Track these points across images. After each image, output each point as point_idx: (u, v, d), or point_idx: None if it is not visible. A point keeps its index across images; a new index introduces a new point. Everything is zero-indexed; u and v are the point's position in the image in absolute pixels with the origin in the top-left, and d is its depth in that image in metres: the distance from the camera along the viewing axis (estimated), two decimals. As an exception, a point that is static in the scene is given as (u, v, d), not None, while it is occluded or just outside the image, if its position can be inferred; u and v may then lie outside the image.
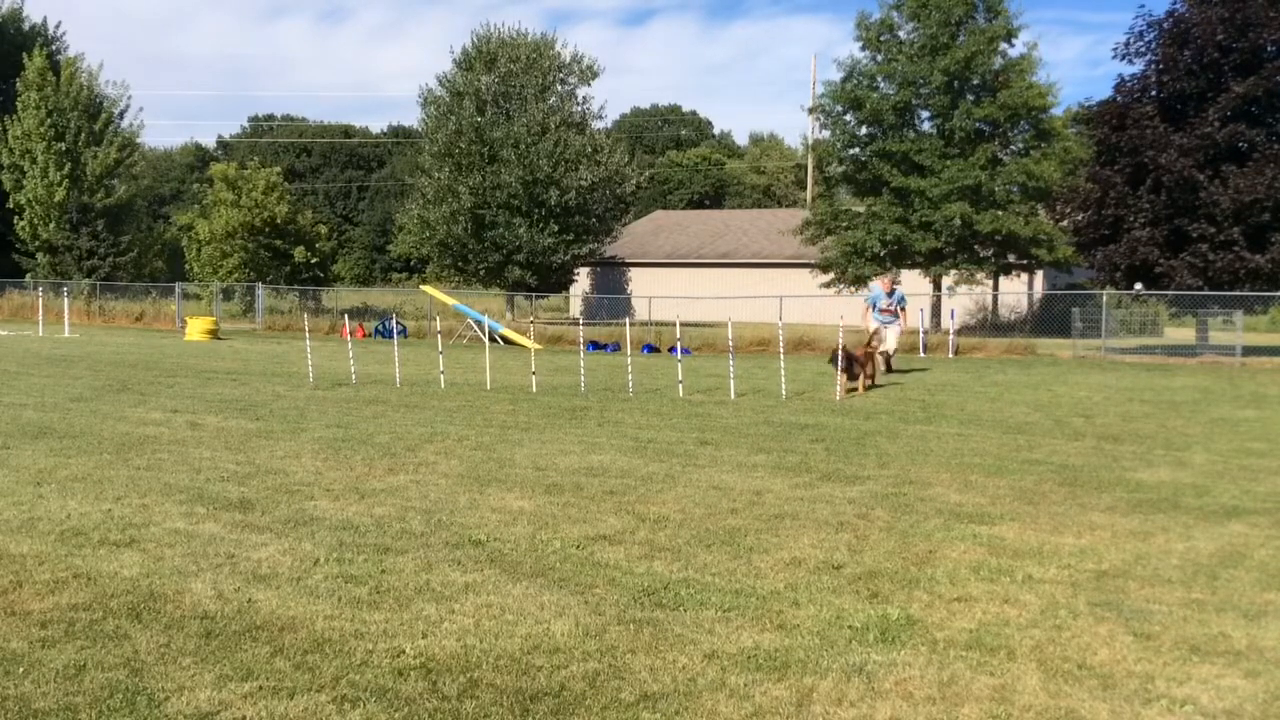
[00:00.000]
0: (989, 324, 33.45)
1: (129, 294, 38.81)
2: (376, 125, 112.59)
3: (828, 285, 33.98)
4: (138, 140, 46.45)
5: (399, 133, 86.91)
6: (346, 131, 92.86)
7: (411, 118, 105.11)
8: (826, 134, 35.79)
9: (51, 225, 42.27)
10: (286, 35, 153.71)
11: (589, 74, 42.26)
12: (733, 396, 14.34)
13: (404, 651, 4.32)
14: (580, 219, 40.22)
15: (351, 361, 17.04)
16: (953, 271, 32.73)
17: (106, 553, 5.75)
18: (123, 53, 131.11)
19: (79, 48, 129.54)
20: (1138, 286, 26.11)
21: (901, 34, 33.47)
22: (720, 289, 39.26)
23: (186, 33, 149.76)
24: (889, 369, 17.73)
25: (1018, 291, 36.49)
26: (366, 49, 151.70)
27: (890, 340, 17.71)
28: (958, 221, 30.78)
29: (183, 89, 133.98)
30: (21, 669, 4.08)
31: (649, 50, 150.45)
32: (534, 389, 14.94)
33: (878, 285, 19.87)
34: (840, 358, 14.57)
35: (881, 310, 17.81)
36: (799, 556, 5.87)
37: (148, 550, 5.82)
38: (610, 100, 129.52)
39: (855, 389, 15.02)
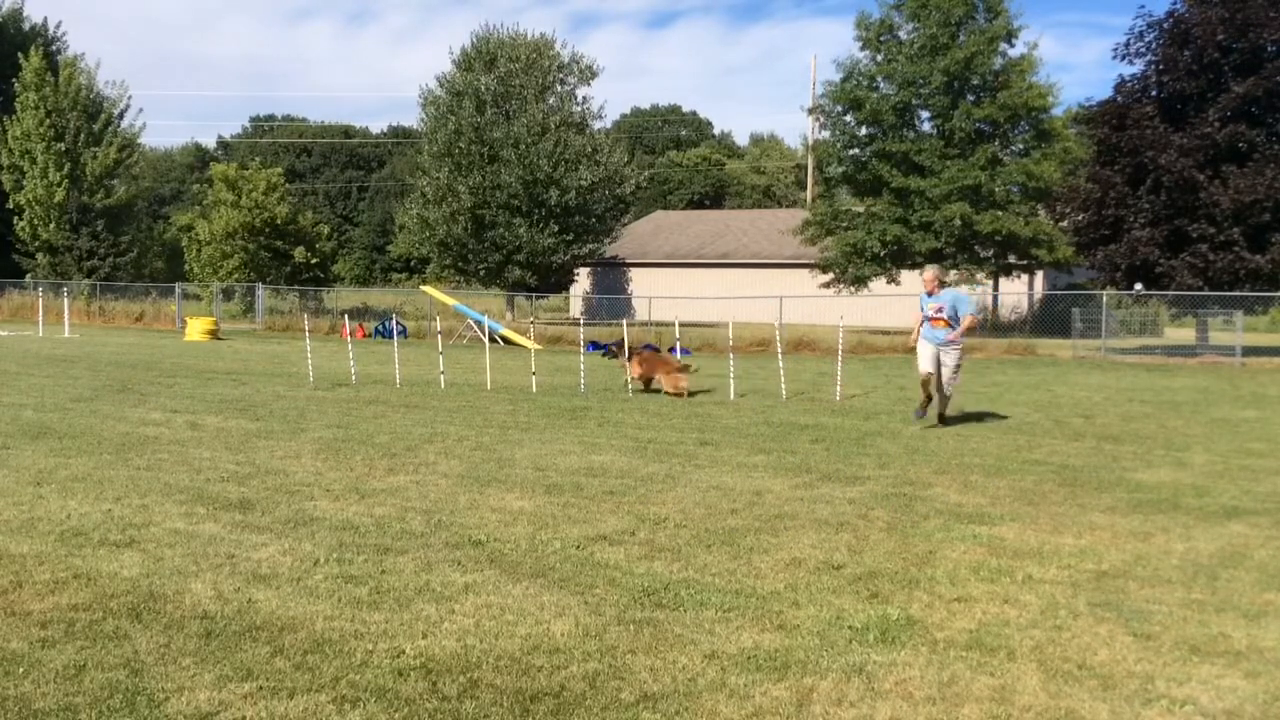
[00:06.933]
0: (989, 324, 33.46)
1: (129, 294, 38.81)
2: (377, 125, 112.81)
3: (827, 285, 33.99)
4: (138, 141, 46.50)
5: (399, 133, 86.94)
6: (346, 132, 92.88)
7: (414, 117, 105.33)
8: (826, 134, 35.84)
9: (51, 225, 42.29)
10: (309, 38, 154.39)
11: (588, 74, 42.28)
12: (733, 397, 14.33)
13: (404, 652, 4.32)
14: (580, 219, 40.23)
15: (351, 362, 17.04)
16: (953, 272, 32.74)
17: (106, 553, 5.75)
18: (138, 53, 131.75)
19: (92, 47, 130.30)
20: (1138, 287, 26.11)
21: (901, 34, 33.51)
22: (720, 289, 39.26)
23: (207, 35, 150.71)
24: (941, 417, 11.67)
25: (1018, 292, 36.50)
26: (391, 52, 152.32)
27: (945, 376, 11.52)
28: (958, 222, 30.80)
29: (203, 91, 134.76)
30: (21, 669, 4.08)
31: (671, 52, 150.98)
32: (534, 389, 14.94)
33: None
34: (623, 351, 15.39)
35: (930, 320, 11.54)
36: (799, 556, 5.87)
37: (148, 550, 5.82)
38: (629, 101, 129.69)
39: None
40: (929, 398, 11.59)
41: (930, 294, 11.69)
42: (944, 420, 11.66)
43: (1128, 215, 25.28)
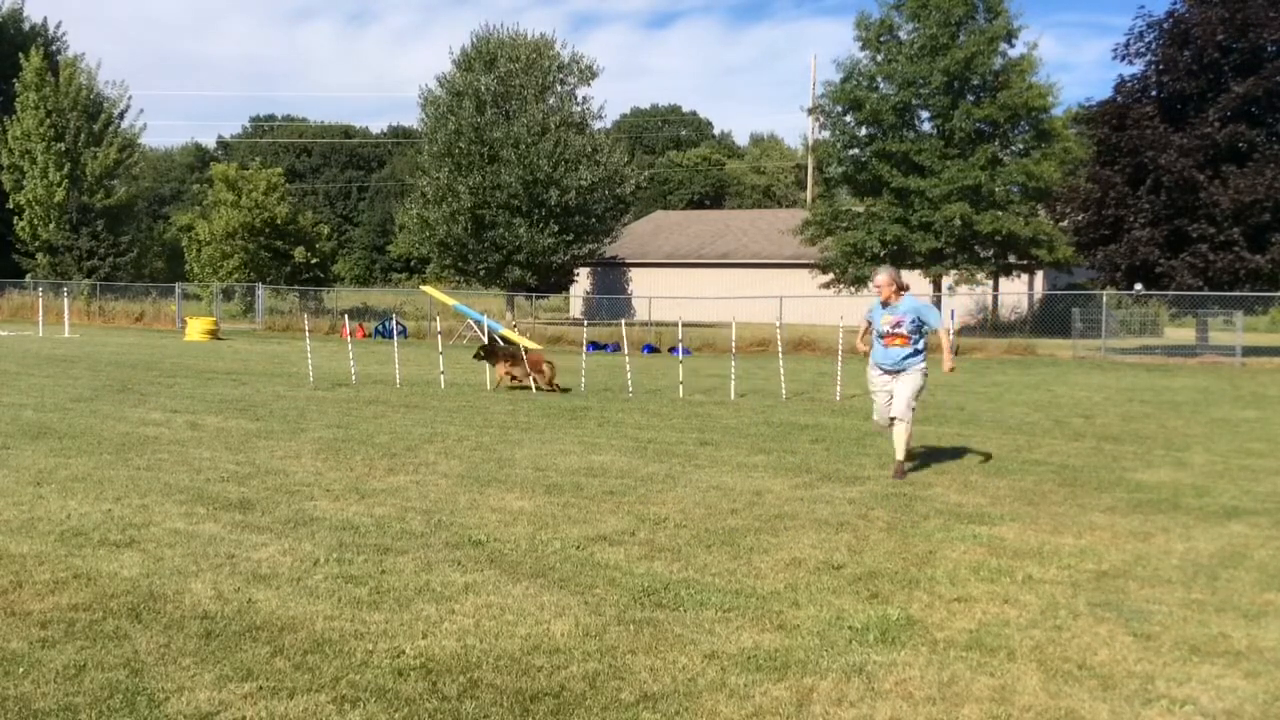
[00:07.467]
0: (989, 324, 33.48)
1: (129, 294, 38.83)
2: (377, 125, 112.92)
3: (827, 285, 34.00)
4: (138, 141, 46.51)
5: (399, 133, 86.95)
6: (346, 132, 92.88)
7: (414, 117, 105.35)
8: (826, 134, 35.85)
9: (51, 225, 42.30)
10: (309, 38, 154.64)
11: (588, 74, 42.27)
12: (733, 397, 14.33)
13: (404, 652, 4.32)
14: (580, 219, 40.23)
15: (351, 362, 17.04)
16: (953, 272, 32.75)
17: (106, 553, 5.75)
18: (138, 53, 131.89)
19: (92, 47, 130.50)
20: (1138, 287, 26.13)
21: (901, 34, 33.51)
22: (720, 289, 39.28)
23: (207, 35, 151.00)
24: (901, 466, 8.59)
25: (1018, 292, 36.51)
26: (391, 52, 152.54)
27: (899, 400, 8.74)
28: (958, 222, 30.81)
29: (203, 91, 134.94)
30: (21, 669, 4.08)
31: (671, 52, 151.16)
32: (534, 389, 14.94)
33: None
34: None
35: (885, 336, 8.91)
36: (799, 557, 5.87)
37: (148, 550, 5.82)
38: (629, 101, 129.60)
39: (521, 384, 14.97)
40: (904, 460, 8.61)
41: (885, 303, 8.81)
42: (901, 473, 8.42)
43: (1128, 215, 25.30)
